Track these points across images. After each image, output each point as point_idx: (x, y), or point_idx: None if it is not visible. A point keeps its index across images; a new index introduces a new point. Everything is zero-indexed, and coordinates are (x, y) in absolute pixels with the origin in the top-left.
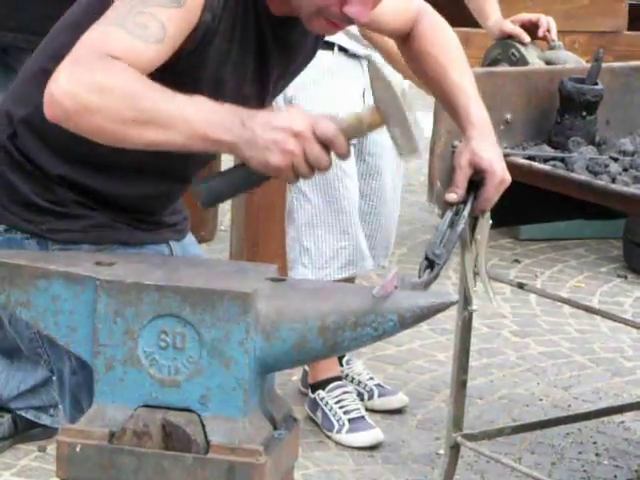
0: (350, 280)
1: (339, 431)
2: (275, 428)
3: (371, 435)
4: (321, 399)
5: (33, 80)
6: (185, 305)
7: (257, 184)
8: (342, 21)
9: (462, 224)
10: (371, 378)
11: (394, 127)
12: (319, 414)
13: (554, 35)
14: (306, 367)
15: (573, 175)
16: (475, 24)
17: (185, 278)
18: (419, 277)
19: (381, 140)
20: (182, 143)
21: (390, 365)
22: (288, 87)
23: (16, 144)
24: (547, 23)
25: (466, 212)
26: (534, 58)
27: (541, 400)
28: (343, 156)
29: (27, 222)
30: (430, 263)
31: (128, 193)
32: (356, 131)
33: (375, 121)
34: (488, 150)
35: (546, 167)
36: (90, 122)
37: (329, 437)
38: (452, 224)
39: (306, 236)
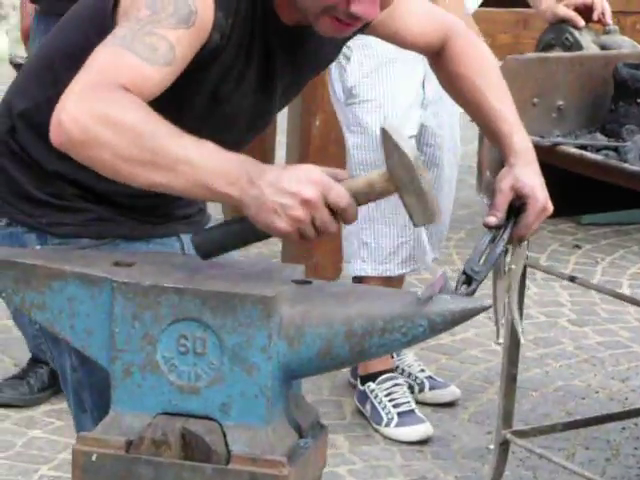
0: (405, 276)
1: (388, 425)
2: (301, 436)
3: (420, 429)
4: (371, 391)
5: (36, 75)
6: (205, 309)
7: (262, 238)
8: (350, 19)
9: (502, 246)
10: (422, 370)
11: (408, 196)
12: (368, 407)
13: (609, 19)
14: None
15: (625, 165)
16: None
17: (206, 280)
18: (456, 290)
19: (440, 131)
20: (184, 189)
21: (443, 355)
22: (349, 76)
23: (15, 137)
24: (602, 6)
25: (506, 235)
26: (589, 43)
27: (597, 393)
28: (350, 222)
29: (27, 215)
30: (468, 279)
31: (125, 191)
32: (367, 197)
33: (388, 188)
34: (531, 177)
35: (598, 157)
36: (95, 155)
37: (377, 431)
38: (492, 243)
39: (365, 230)
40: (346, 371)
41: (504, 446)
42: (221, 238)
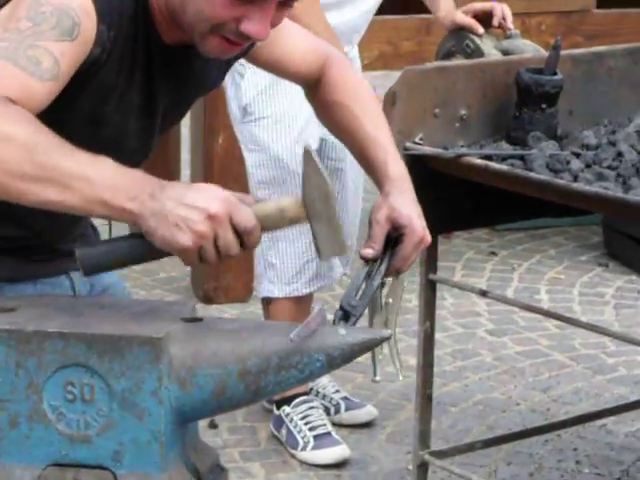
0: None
1: (304, 448)
2: None
3: (337, 452)
4: (286, 415)
5: None
6: (91, 353)
7: (151, 258)
8: (240, 39)
9: (379, 279)
10: (337, 391)
11: (320, 226)
12: (284, 431)
13: (510, 23)
14: None
15: (532, 175)
16: None
17: (92, 323)
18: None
19: (340, 144)
20: (81, 206)
21: (359, 374)
22: (243, 93)
23: None
24: (502, 11)
25: (383, 267)
26: (490, 49)
27: (518, 404)
28: (251, 248)
29: None
30: (345, 314)
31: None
32: (275, 223)
33: (299, 215)
34: (408, 206)
35: (503, 167)
36: None
37: (293, 456)
38: (369, 277)
39: (269, 250)
40: None
41: (423, 467)
42: (108, 253)
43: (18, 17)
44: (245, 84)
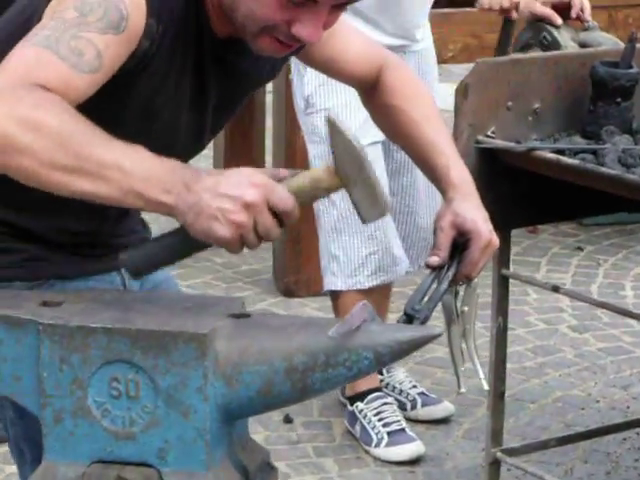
0: (386, 287)
1: (378, 445)
2: (248, 479)
3: (411, 448)
4: (360, 411)
5: None
6: (136, 349)
7: (196, 251)
8: (291, 41)
9: (446, 283)
10: (414, 386)
11: (356, 189)
12: (357, 428)
13: (588, 15)
14: None
15: (602, 169)
16: None
17: (137, 318)
18: None
19: None
20: (115, 197)
21: (439, 369)
22: (306, 85)
23: None
24: (580, 3)
25: (450, 273)
26: (567, 41)
27: (598, 402)
28: (290, 224)
29: None
30: (409, 318)
31: (53, 226)
32: (311, 196)
33: (334, 184)
34: (472, 211)
35: (574, 161)
36: (15, 162)
37: (367, 452)
38: (435, 282)
39: (333, 243)
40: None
41: (495, 465)
42: (152, 253)
43: (66, 6)
44: (308, 76)
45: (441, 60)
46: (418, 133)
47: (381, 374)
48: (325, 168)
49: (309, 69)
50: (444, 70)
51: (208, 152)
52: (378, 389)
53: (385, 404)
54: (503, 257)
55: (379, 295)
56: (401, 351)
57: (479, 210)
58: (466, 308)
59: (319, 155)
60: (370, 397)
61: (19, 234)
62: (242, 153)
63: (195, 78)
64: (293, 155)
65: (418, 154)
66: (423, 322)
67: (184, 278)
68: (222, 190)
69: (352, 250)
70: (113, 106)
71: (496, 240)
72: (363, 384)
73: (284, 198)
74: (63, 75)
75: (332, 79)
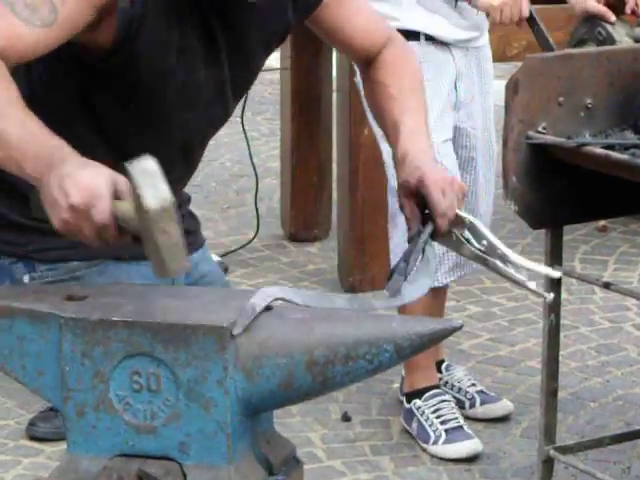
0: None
1: (435, 442)
2: (272, 473)
3: (469, 446)
4: (417, 408)
5: None
6: (157, 342)
7: None
8: None
9: (422, 242)
10: (473, 384)
11: (146, 242)
12: (414, 425)
13: None
14: (403, 373)
15: None
16: None
17: (158, 312)
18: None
19: (474, 132)
20: (3, 164)
21: (500, 367)
22: None
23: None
24: None
25: (428, 229)
26: (622, 36)
27: None
28: (108, 243)
29: (12, 245)
30: (391, 274)
31: None
32: (126, 223)
33: (136, 227)
34: (417, 168)
35: (624, 156)
36: None
37: (424, 450)
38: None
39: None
40: (397, 387)
41: (548, 463)
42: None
43: None
44: None
45: (505, 57)
46: (387, 108)
47: (440, 372)
48: (137, 207)
49: None
50: (509, 67)
51: (276, 152)
52: (436, 386)
53: (443, 401)
54: (555, 254)
55: (444, 292)
56: (422, 344)
57: (426, 156)
58: (485, 242)
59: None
60: (428, 394)
61: None
62: (309, 152)
63: (203, 34)
64: (357, 153)
65: (383, 129)
66: (405, 273)
67: (250, 278)
68: (64, 183)
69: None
70: (125, 79)
71: (450, 178)
72: (422, 381)
73: (100, 213)
74: (11, 29)
75: None
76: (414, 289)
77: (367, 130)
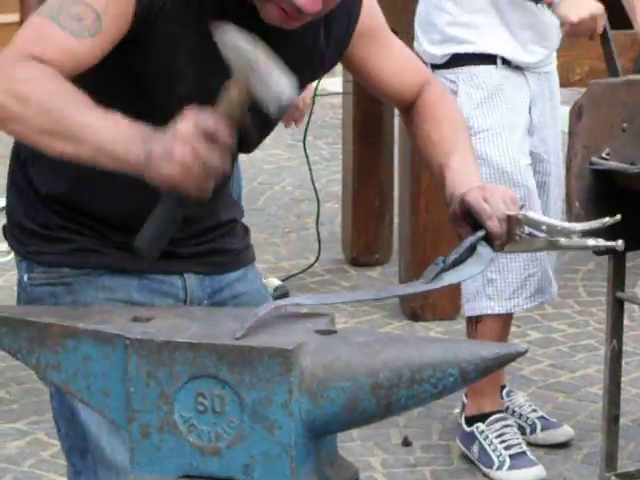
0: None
1: (499, 468)
2: None
3: (533, 472)
4: (480, 432)
5: None
6: (222, 364)
7: (179, 213)
8: (292, 10)
9: (469, 240)
10: (534, 410)
11: (253, 82)
12: (475, 449)
13: None
14: (464, 399)
15: None
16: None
17: (223, 334)
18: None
19: (547, 157)
20: (91, 158)
21: (561, 393)
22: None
23: (19, 165)
24: None
25: (478, 233)
26: None
27: None
28: (227, 144)
29: (19, 244)
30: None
31: (123, 210)
32: (233, 112)
33: (241, 92)
34: (458, 194)
35: None
36: (13, 129)
37: (487, 475)
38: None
39: (489, 267)
40: (458, 412)
41: None
42: (151, 233)
43: None
44: (460, 100)
45: (568, 83)
46: (431, 154)
47: (501, 397)
48: (232, 81)
49: (459, 93)
50: (571, 93)
51: (337, 176)
52: (500, 411)
53: (507, 426)
54: (617, 279)
55: (511, 318)
56: (486, 368)
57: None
58: (544, 227)
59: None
60: (492, 418)
61: (73, 227)
62: (370, 176)
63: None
64: (419, 177)
65: (432, 175)
66: (449, 265)
67: None
68: (164, 138)
69: (510, 273)
70: (134, 65)
71: (490, 185)
72: (486, 406)
73: (207, 118)
74: (62, 43)
75: (485, 100)
76: (456, 275)
77: None
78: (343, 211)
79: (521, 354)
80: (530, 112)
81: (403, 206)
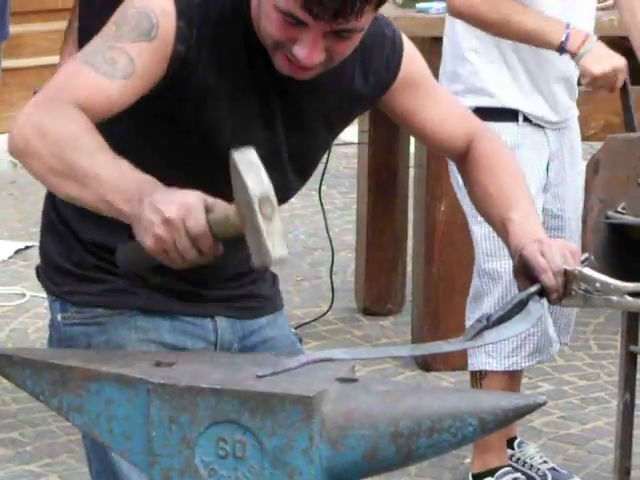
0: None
1: None
2: None
3: None
4: None
5: None
6: (244, 410)
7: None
8: (296, 61)
9: (520, 295)
10: (545, 462)
11: (247, 232)
12: None
13: None
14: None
15: None
16: None
17: (246, 380)
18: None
19: (561, 213)
20: (93, 204)
21: (572, 445)
22: None
23: (54, 206)
24: None
25: (532, 288)
26: None
27: None
28: (205, 255)
29: (53, 284)
30: (479, 321)
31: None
32: (224, 230)
33: (236, 222)
34: (520, 247)
35: None
36: (30, 164)
37: None
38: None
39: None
40: (469, 462)
41: None
42: (127, 256)
43: (110, 21)
44: None
45: (583, 137)
46: (491, 209)
47: (512, 448)
48: (234, 206)
49: None
50: (585, 147)
51: (350, 225)
52: (507, 465)
53: (515, 479)
54: (631, 333)
55: (522, 374)
56: (506, 419)
57: (536, 235)
58: (598, 284)
59: (485, 236)
60: (500, 472)
61: (107, 268)
62: (384, 226)
63: (255, 92)
64: (433, 228)
65: (493, 228)
66: (492, 323)
67: (323, 349)
68: (157, 204)
69: None
70: (171, 116)
71: (548, 239)
72: (494, 461)
73: (197, 222)
74: (93, 84)
75: None
76: (498, 333)
77: (444, 206)
78: (356, 260)
79: (540, 405)
80: (547, 169)
81: (417, 256)
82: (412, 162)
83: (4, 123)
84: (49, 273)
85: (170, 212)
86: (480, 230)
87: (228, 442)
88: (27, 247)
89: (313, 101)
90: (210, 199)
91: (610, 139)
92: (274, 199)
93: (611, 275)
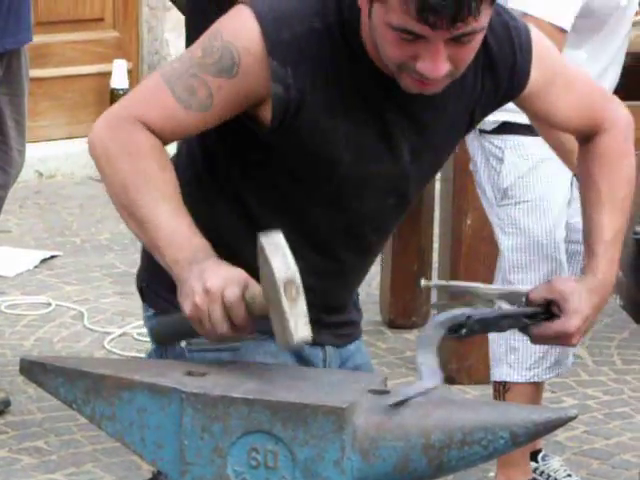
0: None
1: None
2: None
3: None
4: None
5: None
6: (276, 421)
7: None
8: (421, 78)
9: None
10: (569, 475)
11: (272, 313)
12: None
13: None
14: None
15: None
16: None
17: (278, 390)
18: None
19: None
20: (147, 246)
21: (595, 460)
22: (504, 177)
23: None
24: None
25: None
26: None
27: None
28: (237, 325)
29: (169, 303)
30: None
31: None
32: (254, 308)
33: (262, 302)
34: (584, 303)
35: None
36: (103, 181)
37: None
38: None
39: (514, 334)
40: (493, 476)
41: None
42: (168, 327)
43: (200, 41)
44: (505, 168)
45: None
46: (593, 207)
47: (536, 462)
48: (261, 286)
49: (505, 162)
50: None
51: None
52: (533, 479)
53: None
54: None
55: (543, 386)
56: (537, 432)
57: (590, 308)
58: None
59: (513, 247)
60: None
61: None
62: (410, 239)
63: (377, 124)
64: (459, 242)
65: (584, 226)
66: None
67: None
68: (204, 273)
69: None
70: (290, 153)
71: (575, 341)
72: (518, 475)
73: (233, 296)
74: (171, 111)
75: (530, 172)
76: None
77: (470, 219)
78: (382, 273)
79: (571, 419)
80: (572, 184)
81: (442, 270)
82: (438, 175)
83: (30, 132)
84: (170, 298)
85: (212, 283)
86: (508, 241)
87: (260, 452)
88: (52, 256)
89: (441, 121)
90: (251, 280)
91: (638, 154)
92: (299, 282)
93: (638, 290)
